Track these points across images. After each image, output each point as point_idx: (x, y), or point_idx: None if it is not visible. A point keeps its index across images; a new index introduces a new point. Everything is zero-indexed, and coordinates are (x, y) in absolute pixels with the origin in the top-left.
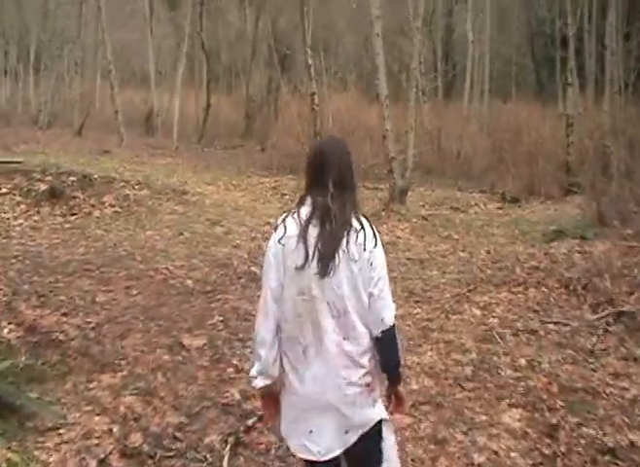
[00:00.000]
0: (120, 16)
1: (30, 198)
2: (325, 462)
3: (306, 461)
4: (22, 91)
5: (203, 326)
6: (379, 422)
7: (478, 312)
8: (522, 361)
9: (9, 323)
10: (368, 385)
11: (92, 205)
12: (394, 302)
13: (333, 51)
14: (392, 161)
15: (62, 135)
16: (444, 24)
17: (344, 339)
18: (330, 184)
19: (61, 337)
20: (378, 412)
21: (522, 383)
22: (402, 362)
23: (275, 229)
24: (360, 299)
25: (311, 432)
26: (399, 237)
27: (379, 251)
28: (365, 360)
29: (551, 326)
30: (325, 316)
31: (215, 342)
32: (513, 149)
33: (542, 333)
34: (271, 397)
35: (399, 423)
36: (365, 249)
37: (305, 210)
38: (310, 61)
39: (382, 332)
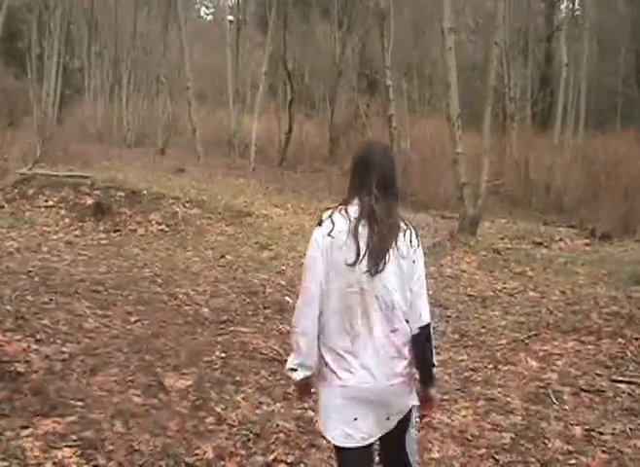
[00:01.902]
0: (215, 38)
1: (75, 212)
2: (363, 448)
3: (343, 452)
4: (117, 111)
5: (197, 363)
6: (411, 408)
7: (534, 364)
8: (578, 430)
9: None
10: (408, 375)
11: (138, 222)
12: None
13: (427, 77)
14: (463, 188)
15: (146, 154)
16: (544, 51)
17: (392, 331)
18: (373, 186)
19: (22, 368)
20: (413, 398)
21: (573, 460)
22: (435, 363)
23: (320, 223)
24: (404, 294)
25: (356, 419)
26: (463, 271)
27: (421, 250)
28: (407, 351)
29: (622, 386)
30: (374, 309)
31: (203, 384)
32: (608, 183)
33: (610, 394)
34: (307, 386)
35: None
36: (412, 246)
37: (353, 209)
38: (389, 82)
39: (420, 328)
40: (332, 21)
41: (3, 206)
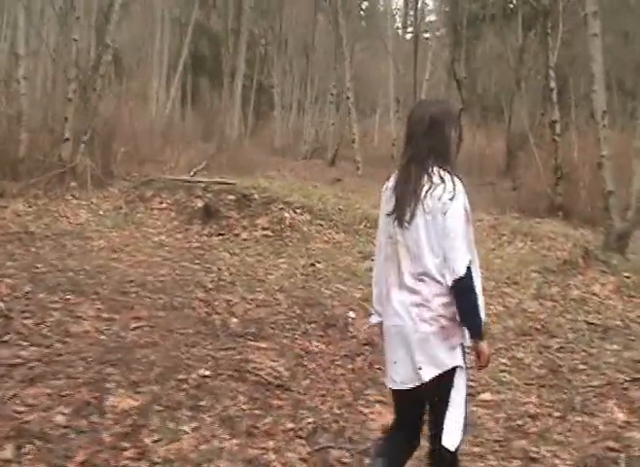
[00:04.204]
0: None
1: (185, 215)
2: (407, 392)
3: (392, 392)
4: (300, 126)
5: (165, 381)
6: (454, 370)
7: (620, 416)
8: None
9: None
10: (443, 328)
11: (244, 227)
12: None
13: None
14: (609, 197)
15: (317, 165)
16: None
17: (419, 280)
18: (410, 140)
19: None
20: (453, 359)
21: None
22: (482, 316)
23: None
24: (434, 247)
25: (395, 363)
26: (594, 294)
27: (456, 203)
28: (436, 304)
29: None
30: (404, 258)
31: (152, 407)
32: None
33: None
34: (382, 332)
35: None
36: (439, 200)
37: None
38: (553, 85)
39: (454, 281)
40: (512, 26)
41: (121, 207)
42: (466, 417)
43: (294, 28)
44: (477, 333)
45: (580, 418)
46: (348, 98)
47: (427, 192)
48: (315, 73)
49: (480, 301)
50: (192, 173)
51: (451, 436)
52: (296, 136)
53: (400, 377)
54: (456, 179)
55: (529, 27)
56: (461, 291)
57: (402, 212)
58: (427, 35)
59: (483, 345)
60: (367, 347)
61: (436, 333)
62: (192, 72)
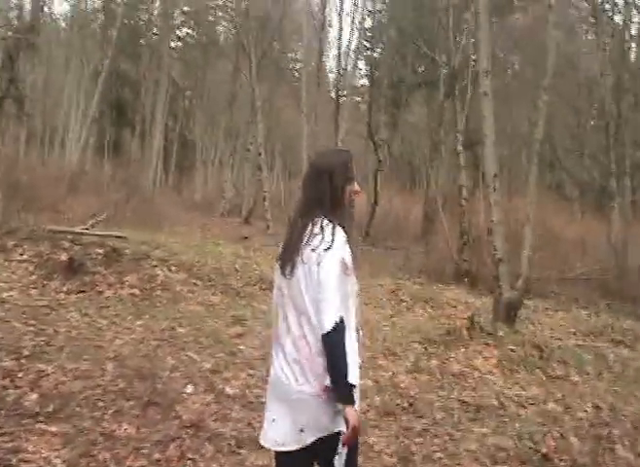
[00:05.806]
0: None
1: (45, 269)
2: (289, 458)
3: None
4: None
5: None
6: (338, 435)
7: None
8: None
9: None
10: (324, 390)
11: (110, 284)
12: None
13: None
14: (499, 265)
15: (231, 223)
16: None
17: (301, 336)
18: (303, 198)
19: None
20: (337, 423)
21: None
22: (350, 379)
23: None
24: (311, 300)
25: (274, 420)
26: (474, 369)
27: (331, 254)
28: (316, 364)
29: None
30: (290, 311)
31: None
32: None
33: None
34: None
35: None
36: (314, 251)
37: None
38: (460, 148)
39: (322, 336)
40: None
41: None
42: None
43: (218, 82)
44: (343, 396)
45: None
46: (260, 155)
47: (305, 242)
48: (240, 128)
49: (353, 362)
50: (89, 224)
51: None
52: (217, 192)
53: (280, 437)
54: (338, 230)
55: (448, 93)
56: (328, 348)
57: (284, 263)
58: (358, 99)
59: (351, 412)
60: (188, 430)
61: (318, 394)
62: (114, 120)
